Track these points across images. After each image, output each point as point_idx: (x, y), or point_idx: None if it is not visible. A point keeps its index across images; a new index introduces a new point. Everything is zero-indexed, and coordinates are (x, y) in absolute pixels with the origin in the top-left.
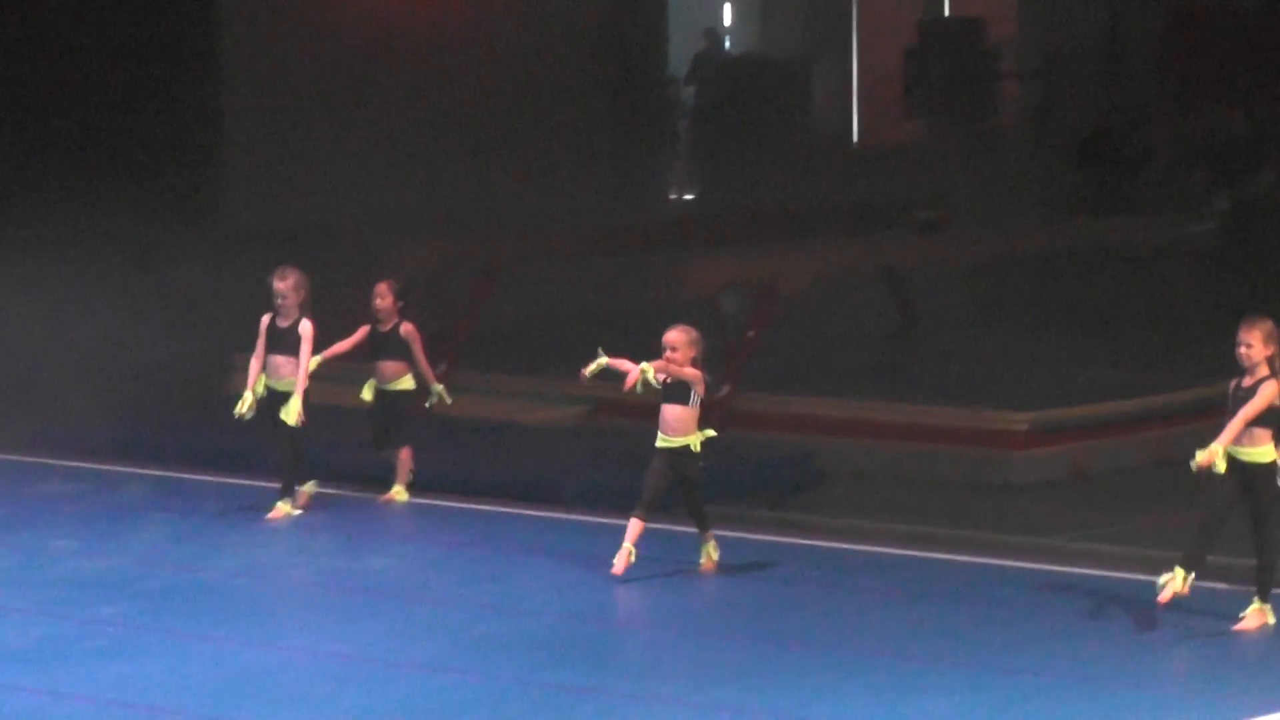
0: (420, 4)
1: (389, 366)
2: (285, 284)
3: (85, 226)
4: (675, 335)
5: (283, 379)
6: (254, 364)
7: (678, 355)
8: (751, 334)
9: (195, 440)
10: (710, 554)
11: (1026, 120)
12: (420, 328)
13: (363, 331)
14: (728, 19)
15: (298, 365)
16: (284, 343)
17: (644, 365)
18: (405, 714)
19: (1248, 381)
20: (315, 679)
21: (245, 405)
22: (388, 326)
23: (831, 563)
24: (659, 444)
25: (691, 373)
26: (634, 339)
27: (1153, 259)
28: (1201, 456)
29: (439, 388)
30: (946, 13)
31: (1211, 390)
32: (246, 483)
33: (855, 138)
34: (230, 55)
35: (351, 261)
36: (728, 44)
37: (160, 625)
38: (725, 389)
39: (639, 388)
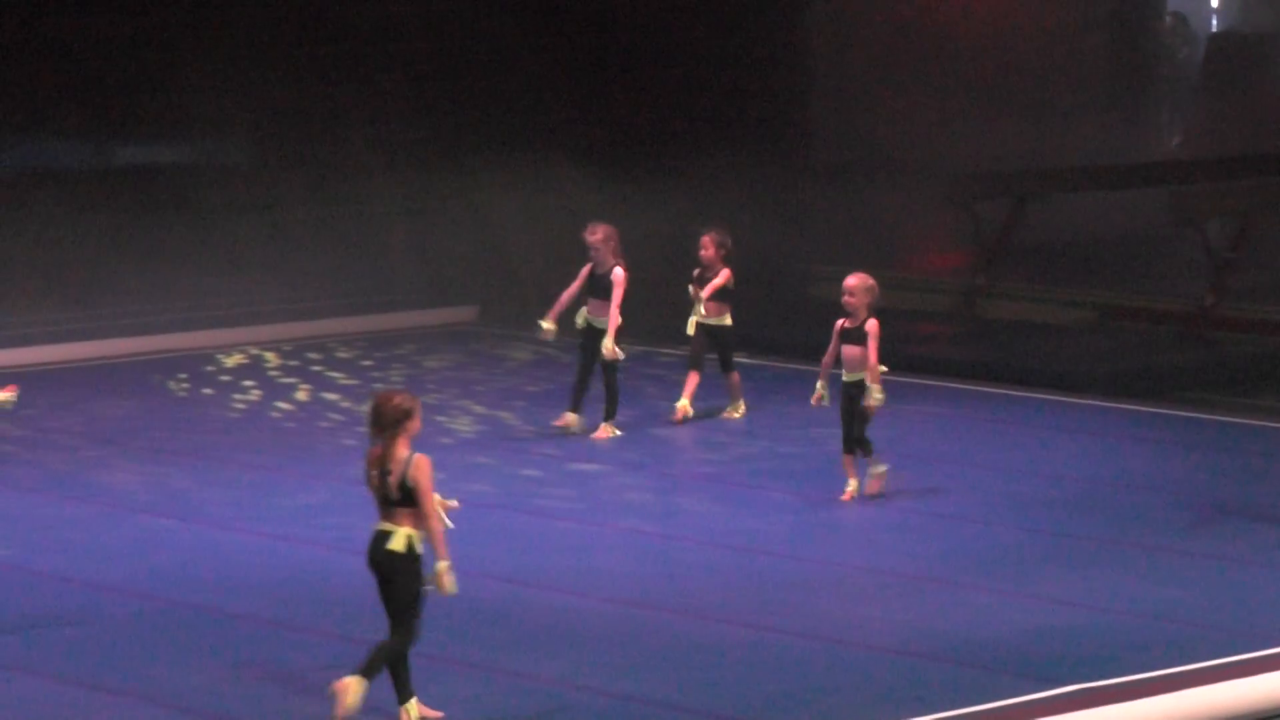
0: None
1: (711, 307)
2: (595, 237)
3: (706, 162)
4: (854, 282)
5: (600, 318)
6: (563, 296)
7: (854, 300)
8: (1232, 254)
9: (785, 330)
10: (878, 472)
11: None
12: None
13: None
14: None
15: (608, 307)
16: (598, 287)
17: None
18: (953, 558)
19: None
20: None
21: (547, 325)
22: (712, 274)
23: None
24: (843, 379)
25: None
26: (1140, 259)
27: None
28: None
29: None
30: None
31: None
32: (798, 367)
33: None
34: (816, 22)
35: (911, 194)
36: (1214, 23)
37: (675, 491)
38: (1210, 300)
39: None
